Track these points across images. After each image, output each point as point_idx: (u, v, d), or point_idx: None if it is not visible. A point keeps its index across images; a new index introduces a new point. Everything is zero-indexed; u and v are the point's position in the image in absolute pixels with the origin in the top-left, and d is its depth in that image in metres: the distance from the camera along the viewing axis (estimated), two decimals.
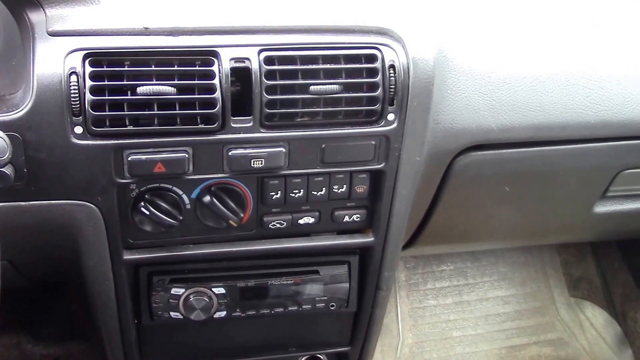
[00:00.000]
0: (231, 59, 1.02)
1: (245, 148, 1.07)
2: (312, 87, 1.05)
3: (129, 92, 0.98)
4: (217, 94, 1.00)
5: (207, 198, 1.11)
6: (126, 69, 0.99)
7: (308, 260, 1.29)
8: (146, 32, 1.02)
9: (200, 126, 1.02)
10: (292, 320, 1.42)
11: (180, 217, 1.11)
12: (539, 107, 1.24)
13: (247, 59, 1.02)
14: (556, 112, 1.25)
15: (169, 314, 1.25)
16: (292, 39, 1.06)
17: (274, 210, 1.19)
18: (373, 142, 1.13)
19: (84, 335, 1.97)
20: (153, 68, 1.00)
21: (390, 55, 1.08)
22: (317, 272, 1.28)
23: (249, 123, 1.05)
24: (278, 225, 1.20)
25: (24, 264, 1.25)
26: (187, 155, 1.04)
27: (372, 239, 1.26)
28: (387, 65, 1.08)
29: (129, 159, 1.02)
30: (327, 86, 1.05)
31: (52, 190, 1.04)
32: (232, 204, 1.13)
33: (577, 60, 1.28)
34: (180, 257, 1.19)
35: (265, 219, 1.19)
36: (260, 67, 1.02)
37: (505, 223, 1.56)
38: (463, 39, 1.23)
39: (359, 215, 1.24)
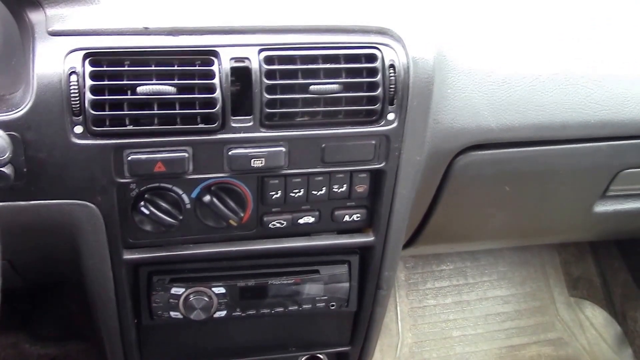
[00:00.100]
0: (231, 59, 1.02)
1: (245, 148, 1.07)
2: (312, 87, 1.05)
3: (129, 92, 0.98)
4: (217, 94, 1.00)
5: (207, 198, 1.11)
6: (126, 68, 0.99)
7: (308, 259, 1.28)
8: (146, 31, 1.02)
9: (200, 126, 1.02)
10: (292, 320, 1.41)
11: (180, 217, 1.11)
12: (539, 106, 1.24)
13: (247, 58, 1.02)
14: (556, 111, 1.25)
15: (168, 313, 1.25)
16: (292, 38, 1.06)
17: (274, 209, 1.19)
18: (373, 142, 1.13)
19: (82, 335, 1.96)
20: (153, 68, 1.00)
21: (390, 54, 1.08)
22: (317, 271, 1.28)
23: (249, 123, 1.05)
24: (278, 225, 1.20)
25: (23, 264, 1.24)
26: (187, 155, 1.04)
27: (372, 238, 1.26)
28: (387, 65, 1.08)
29: (129, 158, 1.02)
30: (327, 86, 1.05)
31: (52, 190, 1.04)
32: (232, 204, 1.13)
33: (577, 60, 1.28)
34: (180, 256, 1.19)
35: (265, 218, 1.19)
36: (260, 67, 1.02)
37: (505, 222, 1.56)
38: (463, 39, 1.23)
39: (359, 215, 1.24)
